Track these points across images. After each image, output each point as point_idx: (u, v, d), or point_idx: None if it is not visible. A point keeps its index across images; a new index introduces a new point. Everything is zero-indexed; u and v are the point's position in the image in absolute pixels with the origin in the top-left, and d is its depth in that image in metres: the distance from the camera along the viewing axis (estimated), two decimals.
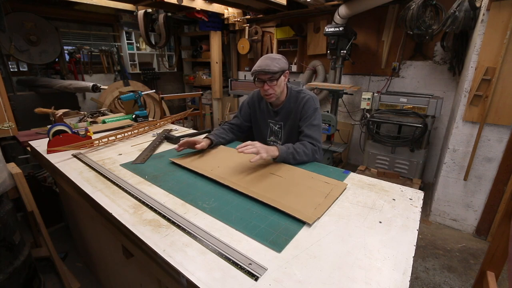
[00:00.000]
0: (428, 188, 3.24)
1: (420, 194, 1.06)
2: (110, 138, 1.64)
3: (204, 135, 1.56)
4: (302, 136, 1.44)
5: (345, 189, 1.07)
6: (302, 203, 0.95)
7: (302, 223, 0.86)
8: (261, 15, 4.39)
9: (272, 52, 4.51)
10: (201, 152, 1.44)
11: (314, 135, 1.42)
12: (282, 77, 1.41)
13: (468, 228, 2.50)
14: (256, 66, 1.37)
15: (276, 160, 1.29)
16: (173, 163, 1.32)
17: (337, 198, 1.00)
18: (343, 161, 3.98)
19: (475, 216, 2.43)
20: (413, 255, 0.73)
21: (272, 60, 1.36)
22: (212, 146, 1.51)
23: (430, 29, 2.73)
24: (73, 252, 2.15)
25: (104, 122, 2.16)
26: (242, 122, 1.68)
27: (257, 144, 1.20)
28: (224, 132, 1.61)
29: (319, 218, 0.88)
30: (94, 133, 1.82)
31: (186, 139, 1.41)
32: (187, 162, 1.30)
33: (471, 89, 2.22)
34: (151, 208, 0.94)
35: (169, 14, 4.08)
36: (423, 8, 2.67)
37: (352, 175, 1.21)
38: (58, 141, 1.49)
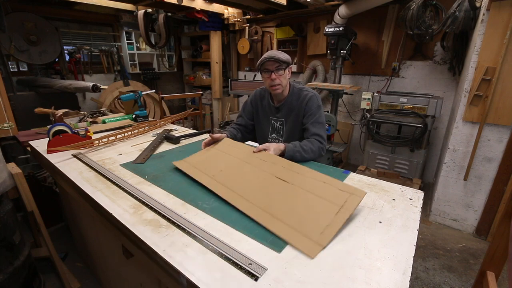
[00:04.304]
0: (428, 188, 3.23)
1: (420, 194, 1.06)
2: (110, 138, 1.64)
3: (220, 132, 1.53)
4: (309, 134, 1.45)
5: (362, 198, 0.87)
6: (308, 222, 0.82)
7: None
8: (261, 15, 4.39)
9: None
10: (206, 152, 1.37)
11: (321, 133, 1.44)
12: (287, 71, 1.45)
13: (468, 228, 2.50)
14: (263, 56, 1.41)
15: (284, 157, 1.27)
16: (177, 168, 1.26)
17: (352, 213, 0.83)
18: (343, 161, 3.98)
19: (475, 216, 2.43)
20: (413, 255, 0.73)
21: (279, 52, 1.42)
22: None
23: (430, 29, 2.73)
24: (73, 252, 2.15)
25: (104, 122, 2.16)
26: (247, 121, 1.70)
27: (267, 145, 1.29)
28: (234, 132, 1.64)
29: (324, 247, 0.74)
30: (94, 133, 1.82)
31: (210, 137, 1.40)
32: (189, 167, 1.22)
33: (471, 89, 2.22)
34: (151, 208, 0.94)
35: (169, 14, 4.08)
36: (423, 8, 2.67)
37: (352, 175, 1.21)
38: (58, 141, 1.49)
